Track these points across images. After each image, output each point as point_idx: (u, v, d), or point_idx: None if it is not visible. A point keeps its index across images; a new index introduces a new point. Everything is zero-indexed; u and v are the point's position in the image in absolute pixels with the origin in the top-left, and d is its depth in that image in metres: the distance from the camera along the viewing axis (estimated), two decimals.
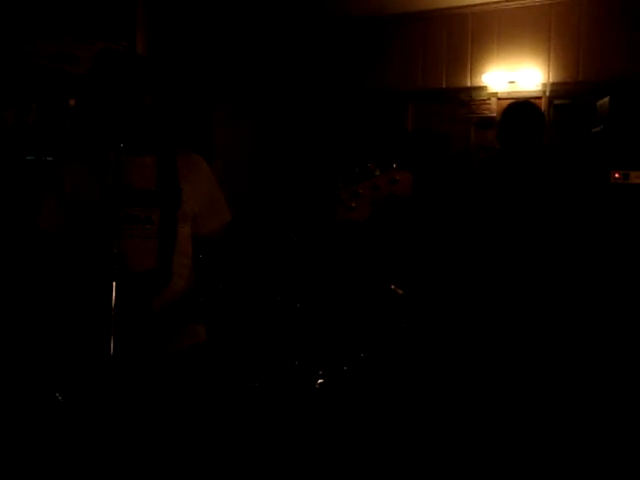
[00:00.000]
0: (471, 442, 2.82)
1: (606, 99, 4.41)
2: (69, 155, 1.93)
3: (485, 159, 4.70)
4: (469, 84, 5.50)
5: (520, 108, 2.93)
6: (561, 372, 2.76)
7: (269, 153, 6.06)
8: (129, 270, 1.71)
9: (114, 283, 1.60)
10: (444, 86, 5.60)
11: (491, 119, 5.28)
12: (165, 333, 1.79)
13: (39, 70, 3.88)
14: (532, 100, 4.44)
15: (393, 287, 3.38)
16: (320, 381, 3.16)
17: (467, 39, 5.48)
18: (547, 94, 5.14)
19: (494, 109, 5.31)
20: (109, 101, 1.75)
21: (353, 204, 1.50)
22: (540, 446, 2.71)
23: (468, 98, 5.49)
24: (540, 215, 2.78)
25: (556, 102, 5.15)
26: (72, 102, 4.01)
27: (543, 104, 5.05)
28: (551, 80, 5.14)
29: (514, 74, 5.24)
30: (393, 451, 2.87)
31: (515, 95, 5.03)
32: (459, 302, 2.93)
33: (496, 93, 5.35)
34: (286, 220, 1.65)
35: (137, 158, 1.82)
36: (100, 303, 1.62)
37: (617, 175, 4.10)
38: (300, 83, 6.06)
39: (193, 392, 1.89)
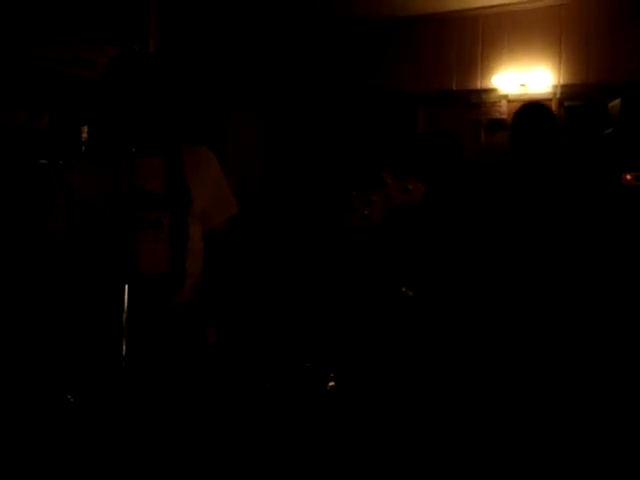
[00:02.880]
0: (478, 442, 2.81)
1: (617, 100, 4.39)
2: (79, 156, 1.93)
3: (496, 162, 4.69)
4: (479, 86, 5.49)
5: (531, 110, 2.92)
6: (574, 377, 2.75)
7: (280, 156, 6.07)
8: (140, 274, 1.71)
9: (126, 286, 1.61)
10: (454, 88, 5.59)
11: (502, 121, 5.27)
12: (177, 335, 1.79)
13: (52, 74, 3.91)
14: (543, 102, 4.43)
15: (404, 289, 3.38)
16: (331, 383, 3.15)
17: (477, 41, 5.47)
18: (558, 96, 5.12)
19: (504, 111, 5.30)
20: (125, 104, 1.76)
21: (366, 212, 1.51)
22: (544, 446, 2.70)
23: (478, 100, 5.48)
24: (551, 217, 2.77)
25: (567, 104, 5.13)
26: (88, 106, 4.04)
27: (554, 106, 5.03)
28: (562, 82, 5.13)
29: (525, 76, 5.23)
30: (402, 453, 2.86)
31: (526, 97, 5.02)
32: (470, 304, 2.93)
33: (506, 95, 5.34)
34: (300, 230, 1.67)
35: (145, 161, 1.81)
36: (113, 307, 1.63)
37: (629, 177, 4.08)
38: (311, 86, 6.07)
39: (203, 393, 1.89)
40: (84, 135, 4.04)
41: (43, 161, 3.84)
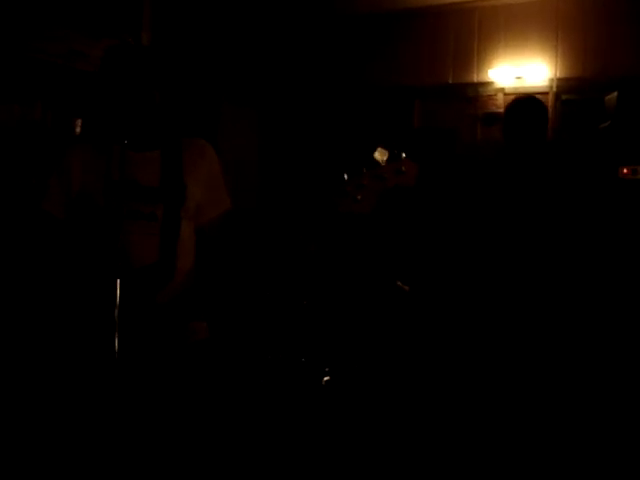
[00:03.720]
0: (472, 441, 2.80)
1: (614, 94, 4.37)
2: (79, 140, 1.91)
3: (490, 155, 4.67)
4: (475, 80, 5.47)
5: (523, 103, 2.91)
6: (565, 372, 2.74)
7: (275, 153, 6.04)
8: (131, 266, 1.70)
9: (118, 280, 1.60)
10: (450, 82, 5.57)
11: (498, 115, 5.24)
12: (167, 329, 1.78)
13: (46, 67, 3.88)
14: (539, 95, 4.42)
15: (399, 284, 3.37)
16: (326, 378, 3.15)
17: (474, 34, 5.45)
18: (554, 89, 5.11)
19: (501, 105, 5.27)
20: (120, 96, 1.74)
21: (358, 196, 1.49)
22: (540, 446, 2.69)
23: (474, 94, 5.46)
24: (547, 211, 2.76)
25: (563, 97, 5.11)
26: (83, 99, 4.00)
27: (550, 99, 5.02)
28: (558, 75, 5.11)
29: (521, 69, 5.21)
30: (396, 450, 2.86)
31: (522, 90, 5.00)
32: (462, 299, 2.92)
33: (503, 89, 5.32)
34: (293, 221, 1.65)
35: (143, 154, 1.81)
36: (104, 300, 1.61)
37: (625, 171, 4.06)
38: (306, 80, 6.04)
39: (195, 389, 1.88)
40: (78, 129, 4.01)
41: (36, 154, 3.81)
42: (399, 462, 2.80)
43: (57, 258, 1.85)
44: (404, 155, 1.50)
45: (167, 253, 1.78)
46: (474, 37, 5.44)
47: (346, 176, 1.50)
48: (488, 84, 5.39)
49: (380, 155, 1.48)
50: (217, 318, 1.99)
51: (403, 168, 1.47)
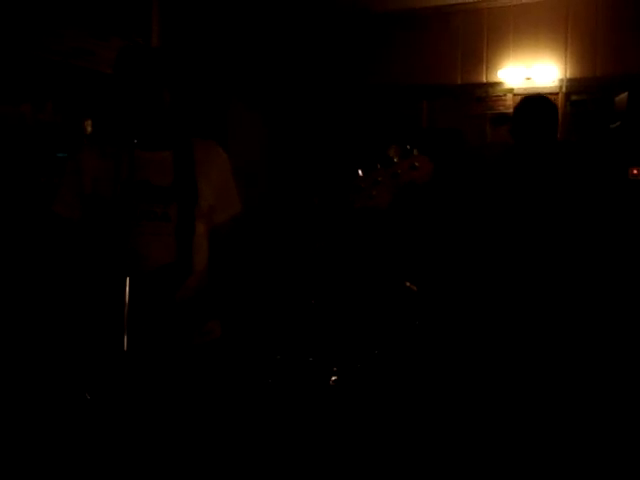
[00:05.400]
0: (478, 439, 2.80)
1: (624, 95, 4.36)
2: (89, 141, 1.91)
3: (498, 154, 4.66)
4: (485, 80, 5.46)
5: (533, 102, 2.89)
6: (576, 373, 2.73)
7: (284, 152, 6.04)
8: (146, 266, 1.70)
9: (127, 279, 1.60)
10: (459, 82, 5.56)
11: (507, 115, 5.23)
12: (182, 329, 1.79)
13: (56, 67, 3.90)
14: (548, 96, 4.42)
15: (408, 284, 3.36)
16: (334, 378, 3.14)
17: (483, 35, 5.44)
18: (564, 90, 5.09)
19: (510, 105, 5.26)
20: (132, 96, 1.74)
21: (373, 192, 1.49)
22: (546, 446, 2.68)
23: (484, 94, 5.45)
24: (556, 211, 2.75)
25: (573, 98, 5.10)
26: (92, 98, 4.01)
27: (560, 100, 5.01)
28: (568, 76, 5.09)
29: (530, 70, 5.20)
30: (403, 449, 2.85)
31: (531, 91, 4.98)
32: (471, 299, 2.91)
33: (512, 89, 5.31)
34: (301, 217, 1.65)
35: (154, 153, 1.81)
36: (114, 299, 1.62)
37: (635, 171, 4.05)
38: (315, 80, 6.04)
39: (207, 388, 1.88)
40: (88, 128, 4.03)
41: (61, 154, 3.81)
42: (406, 462, 2.80)
43: (68, 258, 1.85)
44: (415, 152, 1.50)
45: (183, 252, 1.78)
46: (483, 37, 5.43)
47: (360, 172, 1.50)
48: (497, 84, 5.38)
49: (394, 152, 1.48)
50: (229, 317, 1.99)
51: (416, 164, 1.47)
